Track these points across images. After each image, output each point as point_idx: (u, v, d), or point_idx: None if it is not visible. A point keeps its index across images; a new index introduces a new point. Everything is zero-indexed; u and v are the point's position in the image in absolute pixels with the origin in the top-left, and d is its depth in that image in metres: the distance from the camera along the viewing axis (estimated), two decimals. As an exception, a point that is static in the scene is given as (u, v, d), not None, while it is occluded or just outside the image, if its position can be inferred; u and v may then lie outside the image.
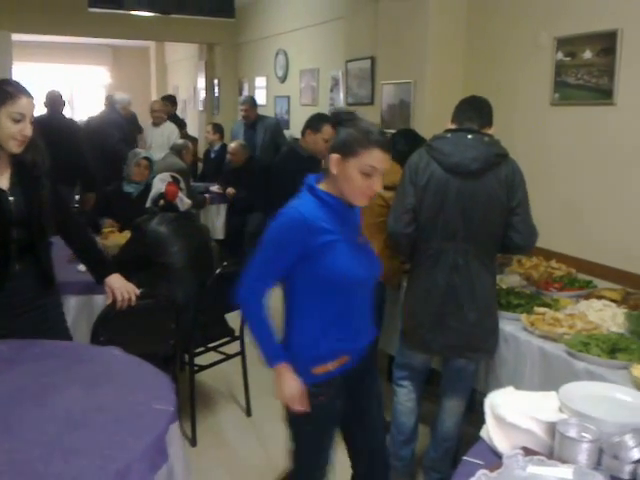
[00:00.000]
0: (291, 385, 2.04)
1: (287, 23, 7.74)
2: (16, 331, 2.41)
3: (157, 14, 6.83)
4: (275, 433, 3.58)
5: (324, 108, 6.49)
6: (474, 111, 2.75)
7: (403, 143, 3.48)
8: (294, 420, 2.16)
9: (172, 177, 3.63)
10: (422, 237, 2.72)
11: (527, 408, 1.74)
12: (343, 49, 5.98)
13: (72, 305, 3.26)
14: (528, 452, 1.60)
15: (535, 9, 3.91)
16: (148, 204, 3.57)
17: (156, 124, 7.36)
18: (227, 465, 3.28)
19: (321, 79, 6.97)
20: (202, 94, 10.56)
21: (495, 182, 2.63)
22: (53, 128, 5.48)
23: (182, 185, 3.68)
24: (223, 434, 3.59)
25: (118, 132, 6.84)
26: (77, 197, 6.75)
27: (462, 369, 2.83)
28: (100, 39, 11.19)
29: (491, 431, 1.72)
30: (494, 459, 1.63)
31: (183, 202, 3.54)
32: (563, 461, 1.55)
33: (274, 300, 2.16)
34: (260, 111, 7.14)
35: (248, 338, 3.72)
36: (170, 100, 8.74)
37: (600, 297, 3.05)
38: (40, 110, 2.63)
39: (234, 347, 3.71)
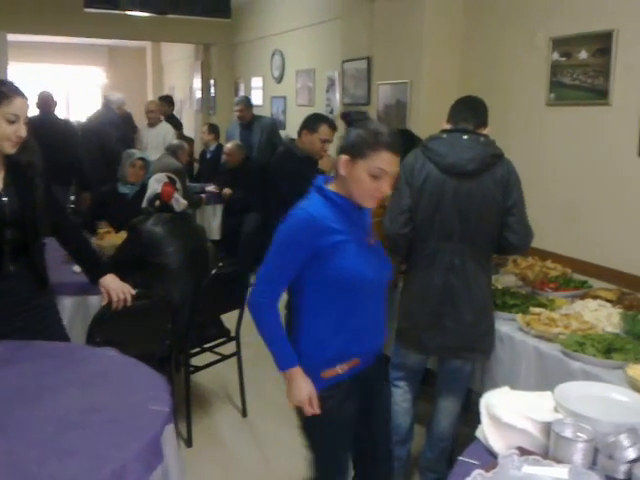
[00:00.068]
0: (303, 388, 2.01)
1: (283, 23, 7.74)
2: (12, 332, 2.40)
3: (153, 14, 6.83)
4: (271, 433, 3.59)
5: (320, 108, 6.49)
6: (469, 111, 2.75)
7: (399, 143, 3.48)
8: (307, 427, 2.14)
9: (168, 178, 3.62)
10: (418, 237, 2.72)
11: (522, 408, 1.74)
12: (339, 49, 5.98)
13: (67, 306, 3.25)
14: (523, 452, 1.60)
15: (531, 9, 3.91)
16: (144, 205, 3.56)
17: (152, 125, 7.35)
18: (223, 465, 3.27)
19: (317, 79, 6.97)
20: (198, 94, 10.55)
21: (491, 182, 2.64)
22: (45, 128, 5.47)
23: (178, 186, 3.67)
24: (219, 435, 3.59)
25: (116, 132, 6.84)
26: (72, 197, 6.74)
27: (458, 369, 2.83)
28: (96, 39, 11.18)
29: (487, 431, 1.72)
30: (490, 459, 1.63)
31: (179, 203, 3.53)
32: (558, 461, 1.55)
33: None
34: (256, 111, 7.14)
35: (244, 339, 3.74)
36: (167, 100, 8.73)
37: (595, 297, 3.06)
38: (32, 111, 2.61)
39: (230, 348, 3.71)
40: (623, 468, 1.51)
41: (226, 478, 3.19)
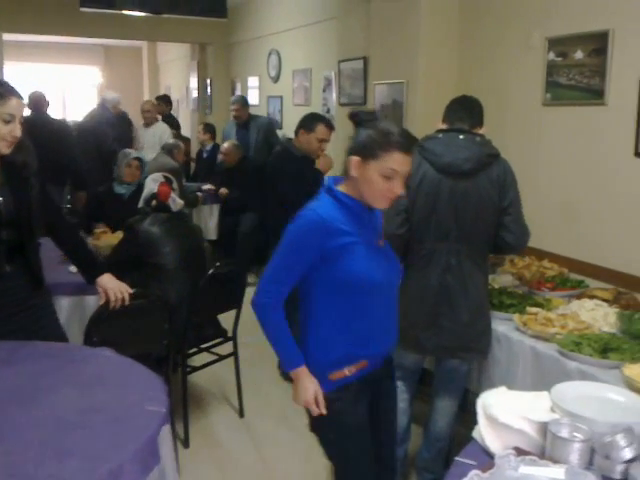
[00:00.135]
0: (309, 388, 1.99)
1: (280, 23, 7.74)
2: (9, 332, 2.40)
3: (149, 14, 6.82)
4: (268, 434, 3.59)
5: (317, 108, 6.49)
6: (465, 111, 2.76)
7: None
8: (321, 434, 2.13)
9: (164, 177, 3.62)
10: (415, 238, 2.72)
11: (519, 408, 1.74)
12: (336, 49, 5.98)
13: (64, 306, 3.25)
14: (520, 452, 1.60)
15: (527, 9, 3.92)
16: (140, 204, 3.56)
17: (148, 124, 7.35)
18: (220, 466, 3.27)
19: (314, 79, 6.97)
20: (194, 94, 10.54)
21: (487, 182, 2.64)
22: (38, 128, 5.45)
23: (174, 185, 3.67)
24: (216, 435, 3.58)
25: (112, 131, 6.82)
26: (68, 197, 6.72)
27: (455, 369, 2.84)
28: (92, 39, 11.15)
29: (483, 431, 1.72)
30: (486, 459, 1.64)
31: (175, 202, 3.53)
32: (555, 461, 1.55)
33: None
34: (253, 111, 7.13)
35: (241, 339, 3.73)
36: (164, 100, 8.72)
37: (592, 297, 3.06)
38: (24, 111, 2.58)
39: (227, 348, 3.71)
40: (619, 468, 1.52)
41: (223, 479, 3.19)
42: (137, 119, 7.71)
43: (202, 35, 9.37)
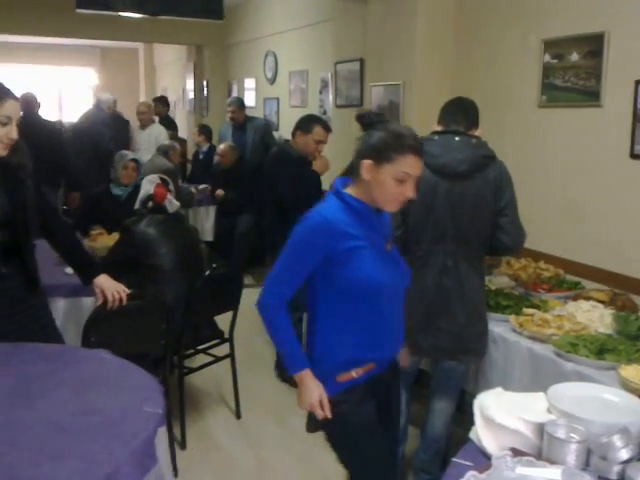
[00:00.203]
0: (314, 391, 1.98)
1: (276, 25, 7.75)
2: (6, 333, 2.39)
3: (145, 15, 6.80)
4: (265, 435, 3.59)
5: (313, 110, 6.49)
6: (460, 113, 2.76)
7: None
8: (332, 438, 2.11)
9: (161, 179, 3.62)
10: (411, 239, 2.72)
11: (516, 409, 1.74)
12: (332, 51, 5.99)
13: (60, 308, 3.24)
14: (517, 453, 1.60)
15: (523, 11, 3.93)
16: (137, 206, 3.56)
17: (143, 126, 7.35)
18: (217, 467, 3.27)
19: (310, 81, 6.97)
20: (191, 95, 10.54)
21: (483, 184, 2.64)
22: (29, 129, 5.43)
23: (171, 187, 3.67)
24: (213, 437, 3.58)
25: (108, 132, 6.81)
26: (63, 198, 6.72)
27: (451, 371, 2.84)
28: (88, 40, 11.14)
29: (480, 432, 1.72)
30: (483, 460, 1.64)
31: (172, 204, 3.52)
32: (551, 462, 1.55)
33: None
34: (249, 113, 7.13)
35: (237, 340, 3.73)
36: (162, 101, 8.72)
37: (588, 298, 3.07)
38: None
39: (224, 349, 3.70)
40: (616, 469, 1.52)
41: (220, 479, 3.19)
42: (133, 120, 7.70)
43: (198, 37, 9.37)
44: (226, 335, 3.68)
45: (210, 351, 3.68)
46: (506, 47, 4.07)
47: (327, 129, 3.95)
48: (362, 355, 2.02)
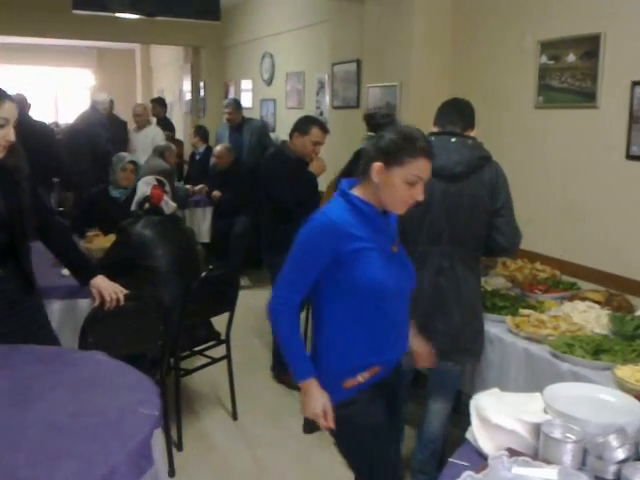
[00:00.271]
0: (318, 400, 1.95)
1: (273, 26, 7.75)
2: (2, 335, 2.39)
3: (142, 16, 6.80)
4: (261, 436, 3.59)
5: (310, 111, 6.50)
6: (456, 114, 2.76)
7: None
8: (341, 441, 2.09)
9: (157, 180, 3.62)
10: (408, 240, 2.71)
11: (512, 409, 1.74)
12: (329, 52, 5.99)
13: (56, 309, 3.23)
14: (513, 453, 1.60)
15: (519, 13, 3.93)
16: (133, 207, 3.55)
17: (139, 128, 7.35)
18: (213, 469, 3.26)
19: (307, 82, 6.98)
20: (187, 97, 10.54)
21: (479, 185, 2.65)
22: (21, 130, 5.41)
23: (167, 188, 3.66)
24: (209, 438, 3.58)
25: (105, 132, 6.81)
26: (57, 199, 6.72)
27: (448, 371, 2.84)
28: (85, 41, 11.13)
29: (476, 432, 1.73)
30: (479, 460, 1.64)
31: (168, 205, 3.52)
32: (548, 462, 1.56)
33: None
34: (246, 114, 7.13)
35: (234, 341, 3.73)
36: (159, 102, 8.72)
37: (584, 299, 3.08)
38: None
39: (220, 351, 3.70)
40: (612, 469, 1.52)
41: (216, 481, 3.18)
42: (130, 122, 7.70)
43: (195, 38, 9.37)
44: (222, 336, 3.68)
45: (207, 352, 3.68)
46: (503, 48, 4.08)
47: (325, 130, 3.95)
48: (368, 358, 2.00)
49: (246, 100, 8.47)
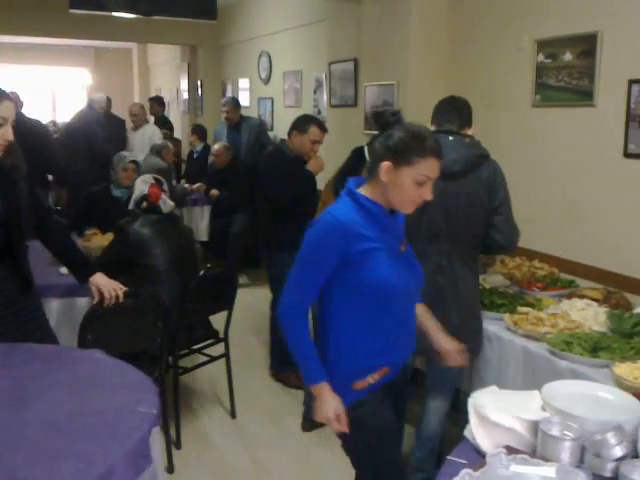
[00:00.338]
0: (330, 404, 1.92)
1: (270, 25, 7.74)
2: (7, 332, 2.39)
3: (139, 15, 6.78)
4: (260, 435, 3.59)
5: (308, 110, 6.50)
6: (453, 112, 2.76)
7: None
8: (351, 442, 2.06)
9: (155, 179, 3.62)
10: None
11: (510, 407, 1.75)
12: (326, 51, 5.99)
13: (54, 308, 3.24)
14: (511, 451, 1.61)
15: (516, 12, 3.94)
16: (131, 206, 3.55)
17: (136, 127, 7.34)
18: (212, 467, 3.26)
19: (304, 81, 6.97)
20: (185, 96, 10.52)
21: (477, 183, 2.65)
22: (15, 128, 5.40)
23: (165, 187, 3.66)
24: (208, 436, 3.58)
25: (102, 131, 6.79)
26: (55, 198, 6.71)
27: (446, 369, 2.83)
28: (82, 40, 11.11)
29: (475, 430, 1.73)
30: (478, 458, 1.64)
31: (166, 204, 3.52)
32: (546, 459, 1.56)
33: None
34: (243, 113, 7.12)
35: (232, 340, 3.73)
36: (158, 101, 8.70)
37: (582, 296, 3.08)
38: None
39: (219, 349, 3.70)
40: (610, 466, 1.52)
41: (215, 479, 3.19)
42: (128, 121, 7.69)
43: (192, 37, 9.35)
44: (221, 335, 3.68)
45: (205, 351, 3.68)
46: (500, 47, 4.08)
47: (323, 129, 3.95)
48: (378, 359, 1.98)
49: (243, 99, 8.46)
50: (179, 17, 6.86)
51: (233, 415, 3.78)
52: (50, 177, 6.35)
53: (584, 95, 3.45)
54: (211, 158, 6.62)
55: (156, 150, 6.24)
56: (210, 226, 6.57)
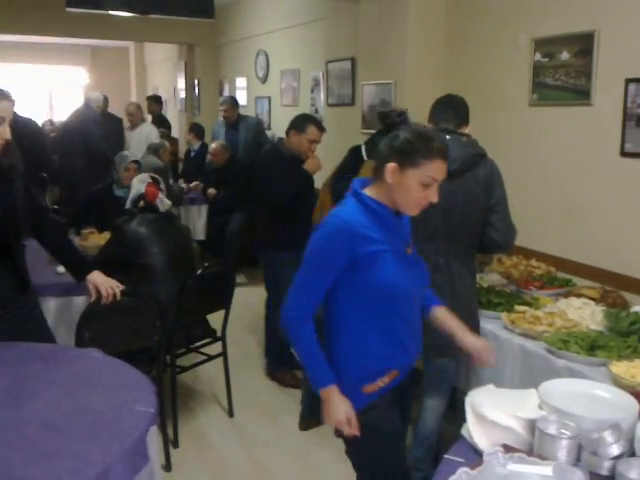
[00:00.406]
0: (340, 407, 1.89)
1: (267, 24, 7.73)
2: (3, 330, 2.39)
3: (136, 14, 6.77)
4: (257, 434, 3.59)
5: (305, 109, 6.49)
6: (450, 110, 2.76)
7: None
8: (356, 447, 2.04)
9: (152, 178, 3.61)
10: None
11: (507, 406, 1.75)
12: (323, 50, 5.99)
13: (51, 307, 3.23)
14: (508, 449, 1.61)
15: (513, 11, 3.94)
16: (128, 205, 3.55)
17: (133, 126, 7.33)
18: (210, 466, 3.26)
19: (302, 80, 6.97)
20: (182, 94, 10.51)
21: (474, 182, 2.65)
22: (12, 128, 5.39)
23: (162, 186, 3.66)
24: (205, 435, 3.58)
25: (99, 130, 6.79)
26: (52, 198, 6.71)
27: (443, 368, 2.85)
28: (78, 39, 11.08)
29: (472, 429, 1.73)
30: (475, 457, 1.64)
31: (163, 203, 3.52)
32: (543, 458, 1.56)
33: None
34: (241, 111, 7.12)
35: (230, 339, 3.73)
36: (155, 100, 8.68)
37: (579, 295, 3.09)
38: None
39: (216, 348, 3.70)
40: (607, 464, 1.53)
41: (213, 479, 3.18)
42: (125, 120, 7.68)
43: (189, 36, 9.34)
44: (218, 334, 3.68)
45: (202, 350, 3.68)
46: (497, 46, 4.08)
47: (321, 129, 3.95)
48: (387, 362, 1.96)
49: (241, 98, 8.45)
50: (176, 16, 6.84)
51: (231, 414, 3.78)
52: (43, 174, 6.34)
53: (581, 94, 3.46)
54: (208, 157, 6.61)
55: (153, 149, 6.24)
56: (207, 225, 6.57)
